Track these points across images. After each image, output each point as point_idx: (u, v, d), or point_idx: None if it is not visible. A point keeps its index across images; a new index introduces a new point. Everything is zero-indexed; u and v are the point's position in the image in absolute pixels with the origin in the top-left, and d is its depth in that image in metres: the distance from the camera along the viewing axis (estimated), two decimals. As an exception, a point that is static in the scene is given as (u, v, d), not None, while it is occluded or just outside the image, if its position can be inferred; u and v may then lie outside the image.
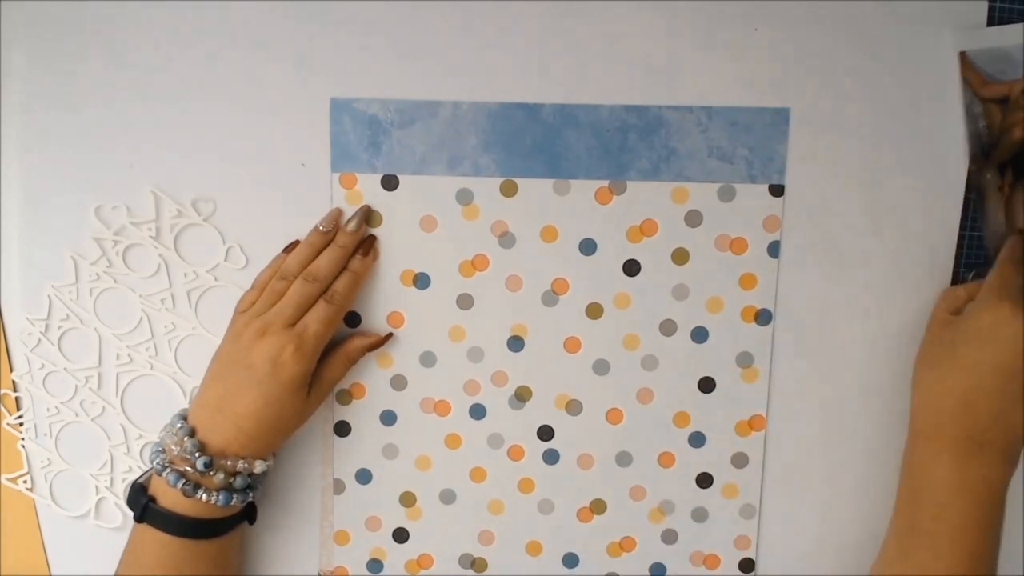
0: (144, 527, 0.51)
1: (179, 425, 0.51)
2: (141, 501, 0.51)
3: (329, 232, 0.54)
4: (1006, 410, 0.49)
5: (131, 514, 0.58)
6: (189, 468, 0.50)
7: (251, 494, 0.53)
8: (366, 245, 0.55)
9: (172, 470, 0.50)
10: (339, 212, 0.55)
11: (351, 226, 0.54)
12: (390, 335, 0.56)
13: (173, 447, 0.51)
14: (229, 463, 0.51)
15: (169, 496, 0.51)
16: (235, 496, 0.51)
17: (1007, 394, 0.49)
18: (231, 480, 0.51)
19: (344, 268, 0.54)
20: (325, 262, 0.53)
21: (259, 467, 0.52)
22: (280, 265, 0.54)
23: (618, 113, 0.55)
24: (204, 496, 0.50)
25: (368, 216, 0.55)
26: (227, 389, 0.51)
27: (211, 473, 0.50)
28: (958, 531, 0.49)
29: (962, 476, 0.50)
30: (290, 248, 0.55)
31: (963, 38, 0.54)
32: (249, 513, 0.55)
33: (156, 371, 0.57)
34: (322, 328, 0.52)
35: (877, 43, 0.54)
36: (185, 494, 0.50)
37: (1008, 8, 0.54)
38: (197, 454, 0.50)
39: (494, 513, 0.59)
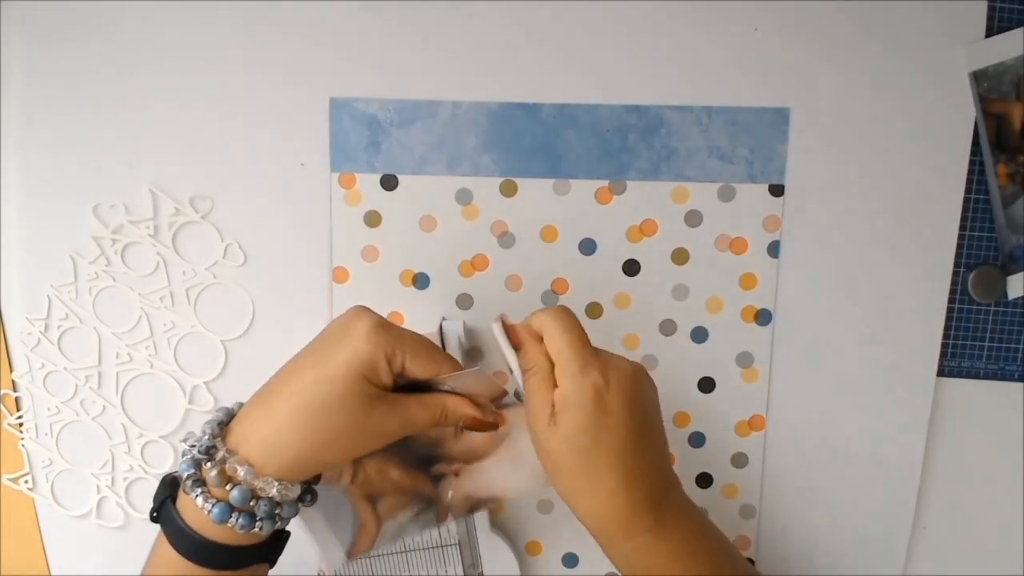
0: (164, 547, 0.43)
1: (217, 418, 0.44)
2: (162, 496, 0.44)
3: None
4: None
5: (132, 513, 0.58)
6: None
7: (278, 522, 0.43)
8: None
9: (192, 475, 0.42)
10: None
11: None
12: (498, 424, 0.47)
13: (191, 445, 0.43)
14: (255, 481, 0.41)
15: (187, 506, 0.42)
16: (259, 523, 0.42)
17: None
18: (253, 503, 0.41)
19: None
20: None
21: (289, 492, 0.42)
22: None
23: (618, 113, 0.55)
24: (209, 507, 0.41)
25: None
26: (279, 376, 0.43)
27: (226, 487, 0.41)
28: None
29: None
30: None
31: (972, 55, 0.54)
32: (272, 549, 0.45)
33: (156, 369, 0.57)
34: (413, 337, 0.44)
35: (876, 43, 0.54)
36: (197, 504, 0.41)
37: (1008, 8, 0.54)
38: (209, 457, 0.42)
39: (494, 513, 0.59)
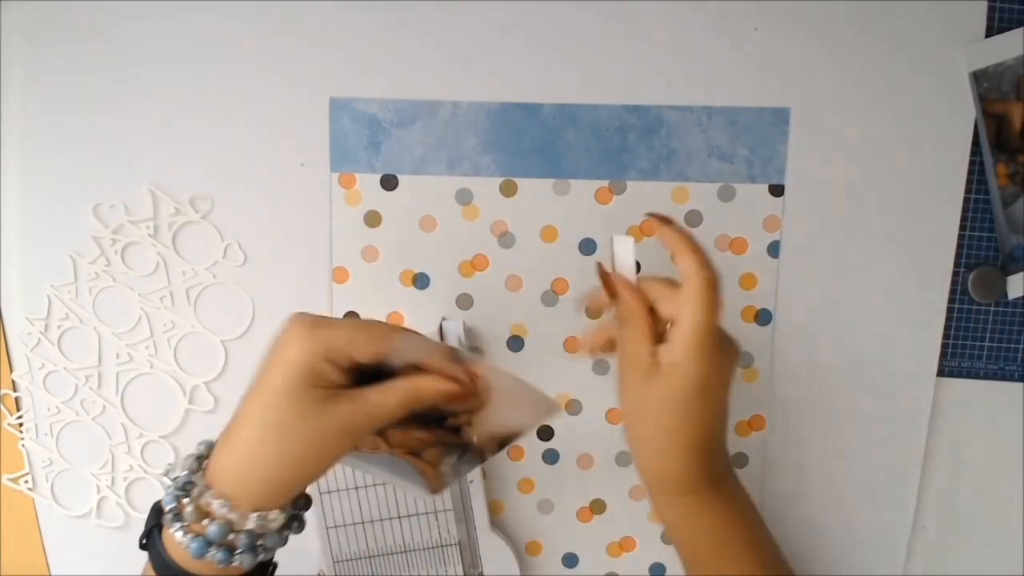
0: (151, 573, 0.43)
1: (196, 453, 0.43)
2: (149, 524, 0.43)
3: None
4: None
5: (132, 513, 0.58)
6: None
7: (261, 554, 0.42)
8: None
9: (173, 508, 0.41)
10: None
11: None
12: (476, 384, 0.43)
13: (173, 479, 0.43)
14: (231, 515, 0.40)
15: (169, 538, 0.41)
16: (238, 557, 0.41)
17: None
18: (232, 536, 0.41)
19: None
20: None
21: (269, 523, 0.41)
22: None
23: (618, 113, 0.55)
24: (188, 541, 0.40)
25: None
26: (238, 407, 0.42)
27: (203, 521, 0.40)
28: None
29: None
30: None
31: (972, 55, 0.54)
32: None
33: (156, 369, 0.57)
34: (350, 324, 0.42)
35: (876, 43, 0.54)
36: (176, 538, 0.41)
37: (1008, 8, 0.54)
38: (186, 493, 0.41)
39: (494, 513, 0.59)
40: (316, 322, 0.41)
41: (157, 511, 0.43)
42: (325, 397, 0.40)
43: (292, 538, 0.47)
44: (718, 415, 0.45)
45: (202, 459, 0.43)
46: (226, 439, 0.42)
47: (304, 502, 0.45)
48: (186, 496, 0.41)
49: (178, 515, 0.41)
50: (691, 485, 0.46)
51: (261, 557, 0.42)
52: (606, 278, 0.46)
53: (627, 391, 0.45)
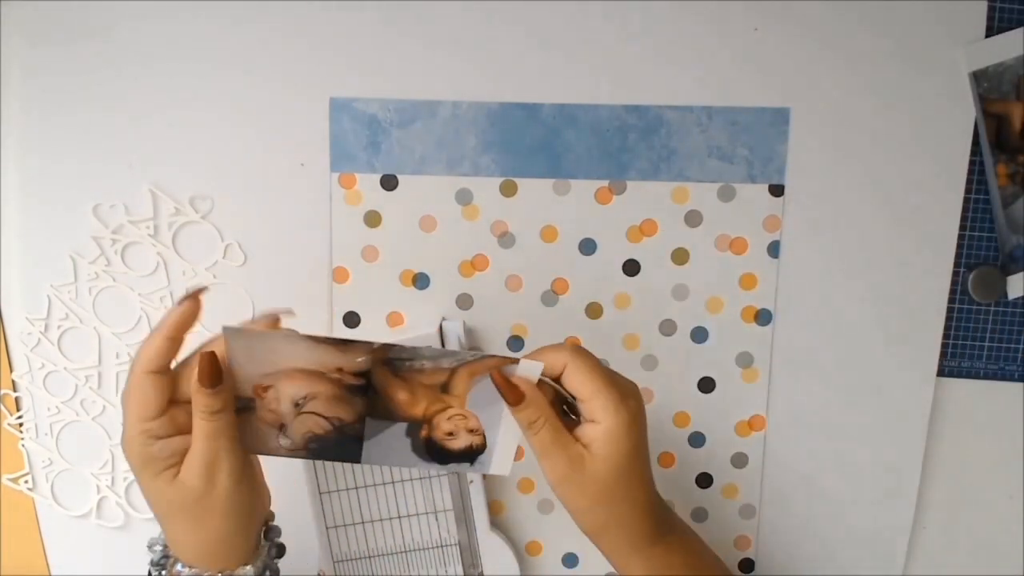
0: None
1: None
2: None
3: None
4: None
5: (132, 513, 0.58)
6: None
7: None
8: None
9: None
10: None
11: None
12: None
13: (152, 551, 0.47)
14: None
15: None
16: None
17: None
18: None
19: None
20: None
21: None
22: None
23: (618, 113, 0.55)
24: None
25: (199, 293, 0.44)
26: None
27: None
28: None
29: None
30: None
31: (972, 55, 0.54)
32: None
33: (156, 370, 0.57)
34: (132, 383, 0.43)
35: (876, 43, 0.54)
36: None
37: (1008, 8, 0.54)
38: (162, 567, 0.45)
39: (494, 513, 0.59)
40: (128, 392, 0.42)
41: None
42: (163, 467, 0.42)
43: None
44: (647, 456, 0.46)
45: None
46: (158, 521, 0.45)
47: (277, 551, 0.48)
48: (163, 569, 0.45)
49: None
50: (658, 530, 0.47)
51: None
52: (506, 387, 0.44)
53: (568, 487, 0.45)
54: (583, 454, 0.44)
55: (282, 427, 0.46)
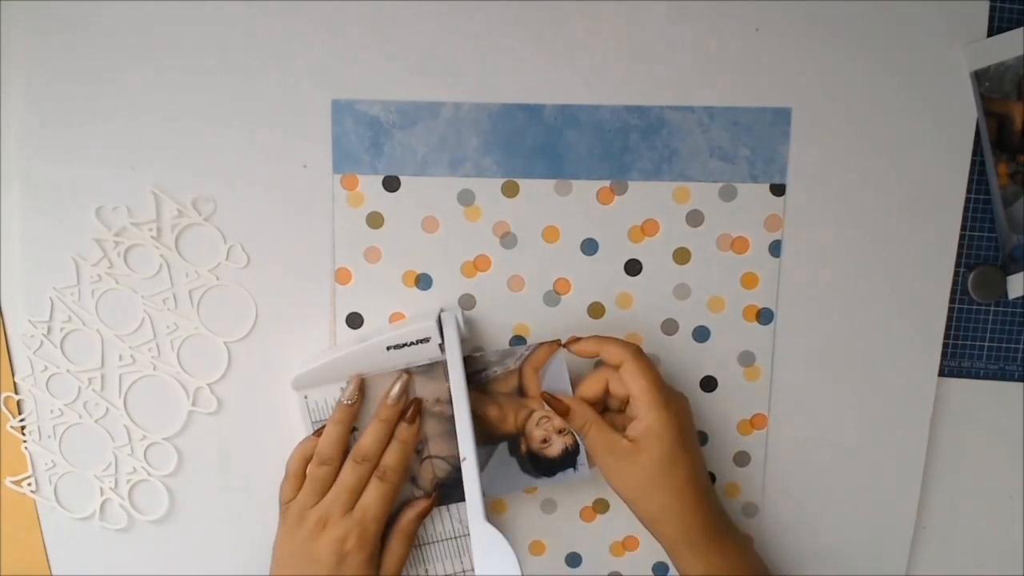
0: None
1: None
2: None
3: (353, 404, 0.53)
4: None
5: (135, 515, 0.58)
6: None
7: None
8: (412, 412, 0.53)
9: None
10: (360, 381, 0.54)
11: (392, 398, 0.53)
12: (437, 494, 0.55)
13: None
14: None
15: None
16: None
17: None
18: None
19: (390, 439, 0.53)
20: (371, 440, 0.52)
21: None
22: (312, 449, 0.53)
23: (619, 113, 0.55)
24: None
25: (408, 385, 0.54)
26: None
27: None
28: None
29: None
30: (319, 432, 0.54)
31: (973, 55, 0.54)
32: None
33: (159, 371, 0.57)
34: (381, 509, 0.52)
35: (878, 42, 0.54)
36: None
37: (1009, 8, 0.54)
38: None
39: (497, 512, 0.59)
40: (363, 530, 0.52)
41: None
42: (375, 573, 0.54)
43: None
44: (699, 456, 0.52)
45: None
46: None
47: None
48: None
49: None
50: (712, 528, 0.51)
51: None
52: (554, 402, 0.53)
53: (618, 478, 0.52)
54: (630, 448, 0.50)
55: (412, 479, 0.55)
